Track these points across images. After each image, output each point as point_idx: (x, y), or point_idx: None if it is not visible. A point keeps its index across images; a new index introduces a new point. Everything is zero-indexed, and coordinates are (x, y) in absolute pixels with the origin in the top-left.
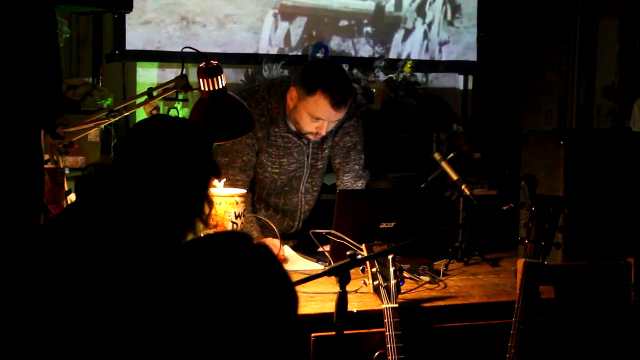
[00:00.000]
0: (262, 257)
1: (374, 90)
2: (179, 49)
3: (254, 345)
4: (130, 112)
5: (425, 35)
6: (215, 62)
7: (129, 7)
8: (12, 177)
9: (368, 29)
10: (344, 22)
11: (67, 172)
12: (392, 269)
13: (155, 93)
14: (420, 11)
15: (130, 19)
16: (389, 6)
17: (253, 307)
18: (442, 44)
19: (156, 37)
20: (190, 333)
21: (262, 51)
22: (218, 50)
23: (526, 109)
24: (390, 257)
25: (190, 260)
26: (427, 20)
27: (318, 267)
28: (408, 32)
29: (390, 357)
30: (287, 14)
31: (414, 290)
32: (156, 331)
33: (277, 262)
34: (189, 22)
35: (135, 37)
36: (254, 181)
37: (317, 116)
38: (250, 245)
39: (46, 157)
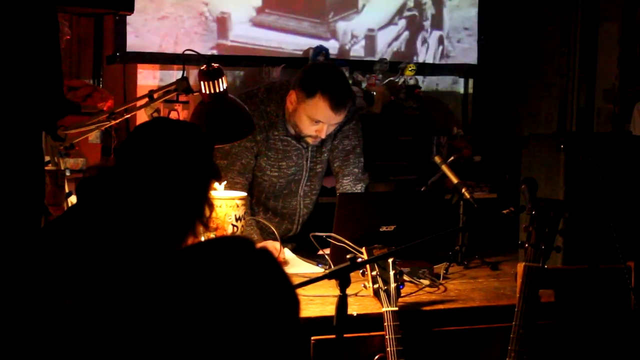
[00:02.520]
0: (264, 262)
1: (375, 93)
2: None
3: (256, 349)
4: (131, 114)
5: (426, 40)
6: (216, 65)
7: (130, 9)
8: (13, 178)
9: None
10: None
11: (67, 174)
12: (392, 273)
13: (156, 95)
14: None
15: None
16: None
17: (255, 311)
18: (442, 47)
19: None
20: (192, 338)
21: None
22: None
23: (526, 113)
24: (390, 260)
25: (192, 265)
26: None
27: (318, 270)
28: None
29: None
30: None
31: (414, 294)
32: (157, 335)
33: (278, 267)
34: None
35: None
36: (253, 184)
37: (317, 119)
38: (252, 250)
39: (47, 158)
